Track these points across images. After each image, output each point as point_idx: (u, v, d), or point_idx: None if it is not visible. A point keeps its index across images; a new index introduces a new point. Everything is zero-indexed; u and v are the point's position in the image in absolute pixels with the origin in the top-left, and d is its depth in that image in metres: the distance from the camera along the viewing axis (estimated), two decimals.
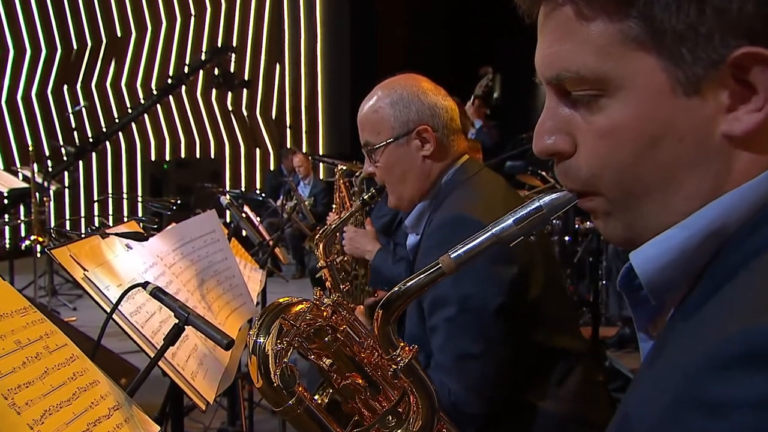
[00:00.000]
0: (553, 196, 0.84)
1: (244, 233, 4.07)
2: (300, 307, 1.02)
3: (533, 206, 0.84)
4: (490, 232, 0.86)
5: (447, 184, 1.92)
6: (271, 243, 3.68)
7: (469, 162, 1.97)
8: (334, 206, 3.19)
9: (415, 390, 0.98)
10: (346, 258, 2.75)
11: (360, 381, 1.08)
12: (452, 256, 0.87)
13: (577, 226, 5.34)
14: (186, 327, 1.45)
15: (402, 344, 0.96)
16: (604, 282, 5.20)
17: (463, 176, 1.91)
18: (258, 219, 4.12)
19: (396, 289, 0.91)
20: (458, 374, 1.67)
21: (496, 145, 6.56)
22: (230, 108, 11.50)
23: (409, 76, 1.97)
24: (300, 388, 0.96)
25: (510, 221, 0.85)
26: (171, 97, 10.28)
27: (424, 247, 1.87)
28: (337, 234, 2.59)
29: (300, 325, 0.99)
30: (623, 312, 4.88)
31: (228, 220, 5.83)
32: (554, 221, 4.73)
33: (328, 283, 2.44)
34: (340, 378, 1.08)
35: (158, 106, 9.83)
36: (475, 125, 6.40)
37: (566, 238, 5.37)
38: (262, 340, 0.95)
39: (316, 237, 2.29)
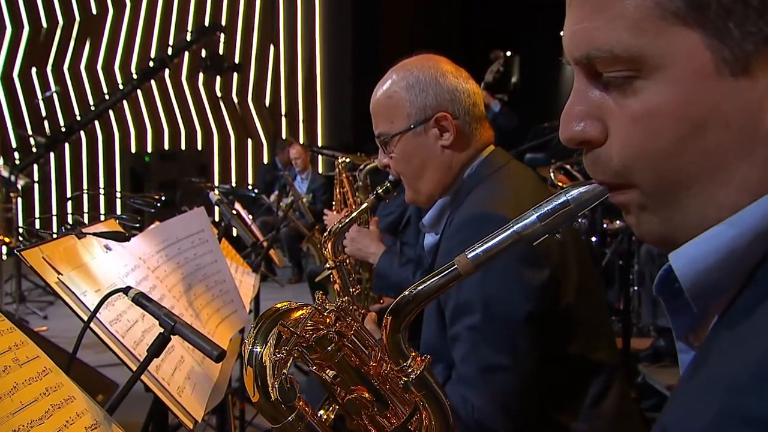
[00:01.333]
0: (582, 189, 0.84)
1: (235, 233, 4.08)
2: (300, 312, 1.02)
3: (559, 201, 0.85)
4: (511, 230, 0.86)
5: (470, 178, 1.91)
6: (265, 244, 3.69)
7: (495, 153, 1.95)
8: (334, 203, 3.20)
9: (428, 405, 0.99)
10: (348, 260, 2.75)
11: (366, 395, 1.08)
12: (469, 256, 0.87)
13: (605, 225, 5.30)
14: (172, 337, 1.46)
15: (414, 354, 0.96)
16: (635, 288, 5.16)
17: (489, 169, 1.90)
18: (250, 217, 4.14)
19: (406, 292, 0.92)
20: (482, 387, 1.66)
21: (517, 128, 6.52)
22: (219, 94, 11.50)
23: (427, 57, 1.95)
24: (301, 403, 0.96)
25: (533, 217, 0.85)
26: (153, 82, 10.29)
27: (445, 248, 1.86)
28: None
29: (301, 332, 0.99)
30: (657, 321, 4.85)
31: (217, 218, 5.84)
32: (580, 220, 4.70)
33: (336, 286, 2.44)
34: (345, 391, 1.08)
35: (139, 91, 9.84)
36: (494, 108, 6.39)
37: (593, 239, 5.33)
38: (258, 350, 0.95)
39: (325, 235, 2.29)
